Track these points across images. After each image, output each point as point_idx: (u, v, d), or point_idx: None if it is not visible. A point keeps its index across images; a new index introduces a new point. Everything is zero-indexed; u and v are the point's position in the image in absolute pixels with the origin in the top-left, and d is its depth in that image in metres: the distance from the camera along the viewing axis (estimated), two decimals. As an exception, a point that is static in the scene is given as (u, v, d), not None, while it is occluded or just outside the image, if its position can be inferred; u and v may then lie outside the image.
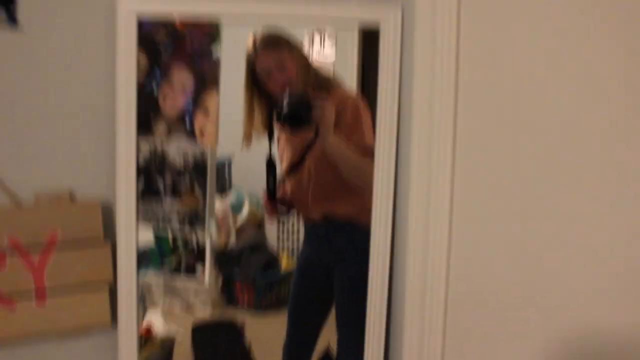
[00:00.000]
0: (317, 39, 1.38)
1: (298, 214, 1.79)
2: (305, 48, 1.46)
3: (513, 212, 1.11)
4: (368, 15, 1.20)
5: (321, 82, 1.57)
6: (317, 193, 1.62)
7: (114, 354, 1.24)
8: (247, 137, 1.54)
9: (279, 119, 1.43)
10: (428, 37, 1.10)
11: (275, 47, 1.50)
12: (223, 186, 2.55)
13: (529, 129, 1.09)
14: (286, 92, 1.43)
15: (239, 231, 2.56)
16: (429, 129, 1.12)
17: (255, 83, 1.55)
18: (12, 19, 1.12)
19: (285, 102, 1.40)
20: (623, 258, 1.08)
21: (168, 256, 1.24)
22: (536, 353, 1.13)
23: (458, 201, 1.12)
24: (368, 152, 1.33)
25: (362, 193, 1.42)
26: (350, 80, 1.82)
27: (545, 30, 1.06)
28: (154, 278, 2.48)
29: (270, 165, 1.58)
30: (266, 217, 1.69)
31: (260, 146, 1.62)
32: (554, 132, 1.07)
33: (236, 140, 1.61)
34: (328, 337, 1.91)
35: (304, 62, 1.53)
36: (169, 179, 1.20)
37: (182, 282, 2.47)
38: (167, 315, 2.40)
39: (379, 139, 1.24)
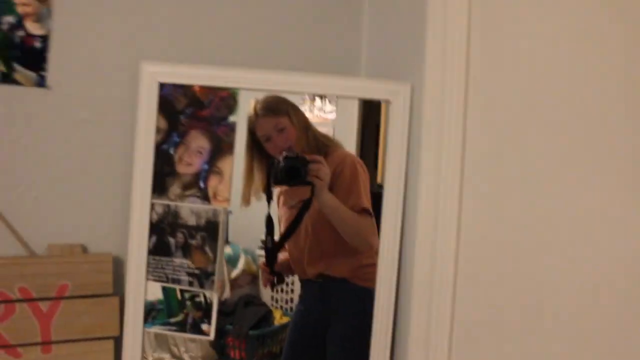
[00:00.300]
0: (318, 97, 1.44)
1: (294, 272, 1.81)
2: (306, 107, 1.52)
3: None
4: (378, 94, 1.25)
5: (320, 145, 1.61)
6: (313, 251, 1.64)
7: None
8: (245, 199, 1.57)
9: (275, 178, 1.47)
10: (436, 115, 1.15)
11: (275, 112, 1.55)
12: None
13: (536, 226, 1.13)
14: (283, 152, 1.47)
15: (234, 284, 2.58)
16: (435, 186, 1.15)
17: (256, 146, 1.60)
18: (42, 81, 1.19)
19: (282, 160, 1.44)
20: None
21: (175, 312, 1.27)
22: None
23: (463, 253, 1.15)
24: (364, 213, 1.36)
25: (358, 252, 1.43)
26: (349, 139, 1.86)
27: (553, 83, 1.11)
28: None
29: (269, 222, 1.61)
30: (261, 282, 1.72)
31: (258, 203, 1.66)
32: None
33: (234, 197, 1.66)
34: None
35: (304, 126, 1.58)
36: (180, 237, 1.24)
37: (183, 338, 2.47)
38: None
39: (387, 196, 1.28)
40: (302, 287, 1.79)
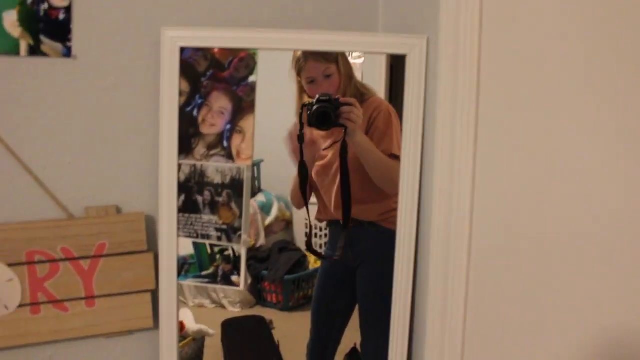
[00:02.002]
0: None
1: (323, 215, 1.85)
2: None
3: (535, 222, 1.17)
4: (395, 48, 1.27)
5: (359, 93, 1.63)
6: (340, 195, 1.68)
7: (155, 352, 1.34)
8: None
9: (308, 121, 1.50)
10: (451, 65, 1.16)
11: (325, 58, 1.56)
12: (253, 188, 2.65)
13: (547, 149, 1.14)
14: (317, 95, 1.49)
15: (268, 231, 2.65)
16: (451, 137, 1.18)
17: (301, 88, 1.63)
18: (68, 52, 1.23)
19: (315, 102, 1.46)
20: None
21: (206, 265, 1.34)
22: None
23: (479, 202, 1.18)
24: (395, 158, 1.38)
25: (386, 197, 1.46)
26: (378, 81, 1.86)
27: (565, 57, 1.11)
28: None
29: (303, 167, 1.64)
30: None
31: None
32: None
33: (266, 146, 1.70)
34: (356, 337, 1.98)
35: (349, 75, 1.59)
36: (207, 195, 1.30)
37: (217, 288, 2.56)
38: (197, 312, 2.51)
39: (405, 145, 1.30)
40: (330, 232, 1.84)
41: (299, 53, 1.57)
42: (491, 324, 1.21)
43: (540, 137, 1.14)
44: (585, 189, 1.15)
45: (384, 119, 1.57)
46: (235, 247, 1.32)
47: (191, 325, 2.26)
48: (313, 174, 1.77)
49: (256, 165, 2.42)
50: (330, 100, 1.43)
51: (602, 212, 1.15)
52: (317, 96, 1.47)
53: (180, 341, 2.22)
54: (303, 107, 1.56)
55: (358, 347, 2.10)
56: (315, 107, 1.44)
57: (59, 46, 1.23)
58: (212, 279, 1.34)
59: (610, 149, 1.13)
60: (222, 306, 2.68)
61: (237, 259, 1.32)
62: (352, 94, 1.60)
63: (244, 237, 1.29)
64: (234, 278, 1.33)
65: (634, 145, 1.13)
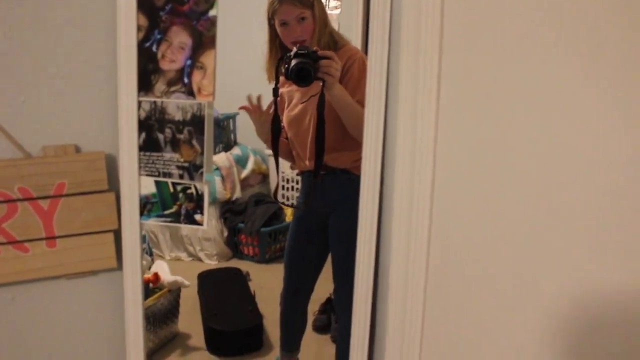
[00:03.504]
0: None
1: (296, 164, 1.84)
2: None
3: (496, 166, 1.16)
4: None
5: (332, 41, 1.60)
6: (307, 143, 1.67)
7: (119, 294, 1.34)
8: (269, 73, 1.60)
9: (286, 74, 1.48)
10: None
11: (300, 1, 1.54)
12: (228, 142, 2.64)
13: (515, 109, 1.12)
14: (295, 46, 1.47)
15: (244, 184, 2.65)
16: (414, 84, 1.16)
17: (274, 33, 1.60)
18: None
19: (292, 57, 1.43)
20: (606, 233, 1.11)
21: (169, 204, 1.32)
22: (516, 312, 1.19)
23: (442, 155, 1.17)
24: None
25: (359, 146, 1.46)
26: (355, 33, 1.83)
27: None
28: (160, 231, 2.59)
29: (276, 120, 1.63)
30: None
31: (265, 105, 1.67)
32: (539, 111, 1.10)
33: (241, 99, 1.67)
34: (331, 288, 2.00)
35: (323, 21, 1.57)
36: (168, 132, 1.28)
37: (187, 233, 2.58)
38: (174, 265, 2.52)
39: (369, 90, 1.26)
40: (303, 180, 1.84)
41: None
42: (453, 265, 1.22)
43: (509, 82, 1.12)
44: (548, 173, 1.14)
45: (358, 67, 1.55)
46: (198, 185, 1.30)
47: (166, 276, 2.27)
48: (285, 123, 1.76)
49: (232, 118, 2.40)
50: (308, 54, 1.42)
51: (561, 206, 1.13)
52: (295, 49, 1.45)
53: (155, 292, 2.23)
54: (279, 60, 1.54)
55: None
56: (294, 63, 1.42)
57: (8, -22, 1.19)
58: (175, 217, 1.32)
59: (576, 143, 1.11)
60: (199, 259, 2.70)
61: (200, 197, 1.31)
62: (326, 40, 1.58)
63: (205, 174, 1.27)
64: (198, 217, 1.32)
65: (599, 139, 1.10)
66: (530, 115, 1.10)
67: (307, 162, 1.73)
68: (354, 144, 1.55)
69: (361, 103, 1.36)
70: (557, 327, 1.17)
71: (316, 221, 1.86)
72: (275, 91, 1.57)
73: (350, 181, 1.67)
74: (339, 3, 1.70)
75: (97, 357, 1.41)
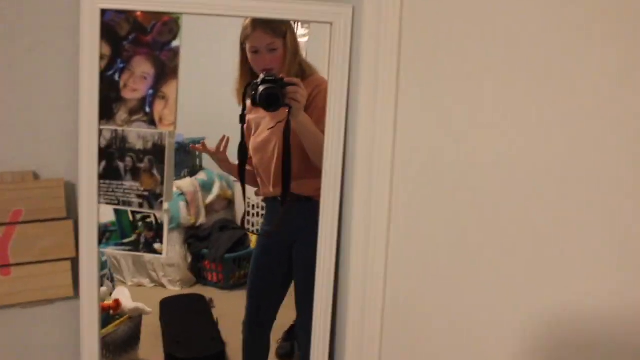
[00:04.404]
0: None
1: (260, 191, 1.85)
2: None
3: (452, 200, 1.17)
4: (320, 16, 1.27)
5: (301, 70, 1.63)
6: (280, 170, 1.68)
7: (76, 322, 1.32)
8: (238, 97, 1.61)
9: (253, 100, 1.49)
10: (374, 32, 1.17)
11: (274, 31, 1.55)
12: (194, 167, 2.62)
13: (469, 131, 1.13)
14: (260, 75, 1.48)
15: (209, 209, 2.63)
16: (372, 115, 1.19)
17: (244, 59, 1.61)
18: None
19: (260, 83, 1.45)
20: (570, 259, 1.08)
21: (128, 232, 1.32)
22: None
23: (398, 174, 1.19)
24: None
25: (321, 173, 1.49)
26: (322, 62, 1.85)
27: (490, 33, 1.10)
28: (122, 257, 2.55)
29: (242, 149, 1.64)
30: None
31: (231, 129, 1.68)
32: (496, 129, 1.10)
33: (207, 124, 1.68)
34: (294, 316, 1.99)
35: (294, 51, 1.59)
36: (129, 161, 1.28)
37: (150, 259, 2.55)
38: (135, 291, 2.48)
39: (330, 116, 1.31)
40: (267, 208, 1.84)
41: (248, 21, 1.56)
42: (410, 292, 1.22)
43: (461, 112, 1.14)
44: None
45: (324, 98, 1.58)
46: (158, 214, 1.30)
47: (127, 303, 2.23)
48: (251, 149, 1.77)
49: (197, 142, 2.40)
50: (276, 81, 1.44)
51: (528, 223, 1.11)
52: (262, 76, 1.47)
53: (116, 319, 2.20)
54: (247, 87, 1.56)
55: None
56: (262, 89, 1.44)
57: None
58: (134, 246, 1.32)
59: (547, 140, 1.08)
60: (162, 285, 2.66)
61: (159, 226, 1.31)
62: (295, 70, 1.60)
63: (165, 204, 1.27)
64: (157, 246, 1.31)
65: (568, 150, 1.07)
66: (488, 137, 1.11)
67: (271, 189, 1.74)
68: (317, 171, 1.57)
69: (324, 132, 1.38)
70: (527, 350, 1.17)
71: (280, 249, 1.87)
72: (242, 118, 1.58)
73: (313, 209, 1.68)
74: (307, 31, 1.72)
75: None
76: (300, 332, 1.98)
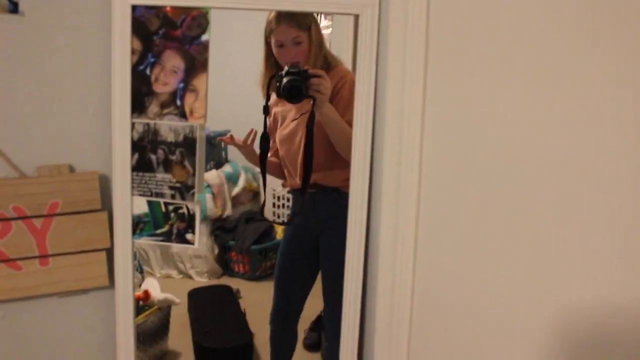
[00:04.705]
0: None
1: (287, 182, 1.87)
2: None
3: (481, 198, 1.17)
4: (347, 8, 1.27)
5: (326, 62, 1.64)
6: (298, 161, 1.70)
7: (111, 312, 1.35)
8: (263, 90, 1.63)
9: (277, 92, 1.51)
10: (401, 23, 1.18)
11: (298, 24, 1.57)
12: (220, 159, 2.66)
13: (497, 125, 1.11)
14: (285, 67, 1.50)
15: (235, 201, 2.67)
16: (400, 108, 1.20)
17: (270, 53, 1.63)
18: (15, 7, 1.22)
19: (284, 75, 1.47)
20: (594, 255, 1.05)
21: (161, 223, 1.35)
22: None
23: (427, 164, 1.20)
24: None
25: (349, 164, 1.49)
26: (346, 52, 1.86)
27: (522, 23, 1.08)
28: (150, 249, 2.60)
29: (265, 139, 1.66)
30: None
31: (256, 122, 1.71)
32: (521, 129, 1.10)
33: (232, 117, 1.71)
34: (322, 306, 2.01)
35: (319, 44, 1.60)
36: (161, 153, 1.31)
37: (177, 250, 2.59)
38: (164, 282, 2.52)
39: (358, 107, 1.31)
40: (293, 199, 1.87)
41: (272, 15, 1.57)
42: (438, 284, 1.23)
43: (491, 103, 1.14)
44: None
45: (349, 89, 1.59)
46: (190, 205, 1.33)
47: (156, 294, 2.27)
48: (277, 142, 1.79)
49: (223, 136, 2.43)
50: (299, 72, 1.45)
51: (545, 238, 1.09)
52: (286, 68, 1.48)
53: (145, 310, 2.24)
54: (271, 78, 1.57)
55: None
56: (286, 81, 1.45)
57: (4, 1, 1.22)
58: (167, 237, 1.35)
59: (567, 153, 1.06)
60: (189, 276, 2.70)
61: (191, 217, 1.34)
62: (320, 63, 1.61)
63: (196, 195, 1.30)
64: (189, 236, 1.34)
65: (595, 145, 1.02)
66: (516, 131, 1.10)
67: (297, 180, 1.76)
68: (345, 162, 1.58)
69: (350, 124, 1.38)
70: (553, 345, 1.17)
71: (306, 240, 1.89)
72: (265, 109, 1.60)
73: (340, 199, 1.69)
74: (330, 22, 1.73)
75: (87, 374, 1.43)
76: (327, 322, 1.99)
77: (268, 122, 1.63)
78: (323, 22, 1.69)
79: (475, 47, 1.13)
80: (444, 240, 1.21)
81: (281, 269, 1.95)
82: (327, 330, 2.06)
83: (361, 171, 1.33)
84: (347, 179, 1.43)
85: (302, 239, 1.90)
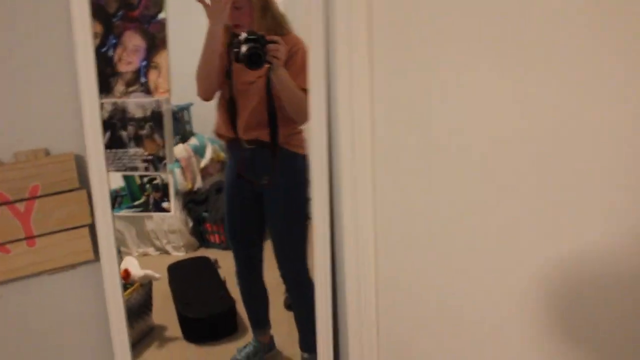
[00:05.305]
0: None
1: (224, 131, 1.88)
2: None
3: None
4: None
5: (277, 25, 1.69)
6: (252, 119, 1.75)
7: (99, 284, 1.44)
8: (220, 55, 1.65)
9: (236, 58, 1.57)
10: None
11: None
12: (185, 133, 2.71)
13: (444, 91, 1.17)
14: (242, 33, 1.56)
15: (204, 173, 2.73)
16: (349, 67, 1.29)
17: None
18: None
19: (243, 42, 1.53)
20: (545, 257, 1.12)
21: (138, 195, 1.42)
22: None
23: (379, 125, 1.29)
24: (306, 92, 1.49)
25: (291, 122, 1.60)
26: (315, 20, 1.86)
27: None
28: (125, 229, 2.65)
29: (232, 103, 1.72)
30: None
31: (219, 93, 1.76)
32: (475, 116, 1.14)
33: (193, 91, 1.77)
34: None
35: (263, 6, 1.65)
36: (131, 129, 1.38)
37: (153, 227, 2.64)
38: (142, 261, 2.58)
39: (312, 73, 1.37)
40: (231, 150, 1.89)
41: None
42: (397, 232, 1.33)
43: (439, 68, 1.21)
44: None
45: (301, 56, 1.66)
46: (163, 175, 1.41)
47: (136, 271, 2.34)
48: (235, 89, 1.82)
49: (186, 109, 2.49)
50: (258, 39, 1.51)
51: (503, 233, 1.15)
52: (244, 35, 1.54)
53: (127, 288, 2.31)
54: (229, 45, 1.62)
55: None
56: (245, 48, 1.51)
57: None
58: (145, 207, 1.42)
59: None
60: (167, 252, 2.77)
61: (165, 186, 1.41)
62: (268, 25, 1.66)
63: (168, 165, 1.37)
64: (165, 204, 1.42)
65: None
66: (460, 112, 1.17)
67: (241, 132, 1.77)
68: (287, 121, 1.65)
69: (299, 87, 1.49)
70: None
71: (250, 192, 1.90)
72: (229, 74, 1.64)
73: (283, 155, 1.75)
74: None
75: (83, 347, 1.51)
76: (284, 276, 2.01)
77: (232, 82, 1.67)
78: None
79: (419, 21, 1.21)
80: (402, 200, 1.29)
81: (231, 224, 1.99)
82: (285, 283, 2.07)
83: (320, 136, 1.41)
84: (288, 136, 1.56)
85: (246, 191, 1.92)
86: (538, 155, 1.09)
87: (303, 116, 1.46)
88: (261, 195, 1.87)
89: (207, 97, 1.73)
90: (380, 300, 1.35)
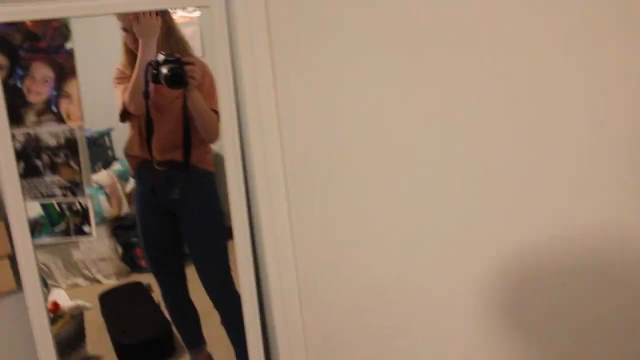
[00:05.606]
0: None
1: (137, 151, 1.87)
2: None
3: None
4: (197, 2, 1.43)
5: (179, 49, 1.72)
6: (164, 141, 1.77)
7: (24, 313, 1.44)
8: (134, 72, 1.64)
9: (155, 79, 1.59)
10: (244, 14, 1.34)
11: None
12: (107, 158, 2.69)
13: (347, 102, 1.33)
14: (159, 54, 1.58)
15: (129, 198, 2.70)
16: (255, 86, 1.36)
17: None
18: None
19: (162, 63, 1.55)
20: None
21: (57, 222, 1.44)
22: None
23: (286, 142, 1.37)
24: (216, 113, 1.55)
25: (204, 143, 1.64)
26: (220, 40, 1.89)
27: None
28: (51, 261, 2.60)
29: (150, 124, 1.74)
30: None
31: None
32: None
33: (114, 115, 1.78)
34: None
35: (167, 30, 1.68)
36: (46, 158, 1.40)
37: (80, 257, 2.60)
38: (72, 292, 2.54)
39: (222, 96, 1.47)
40: (140, 171, 1.92)
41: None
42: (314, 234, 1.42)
43: (337, 79, 1.30)
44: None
45: (209, 80, 1.71)
46: (81, 200, 1.43)
47: (65, 302, 2.30)
48: (151, 107, 1.85)
49: (107, 134, 2.47)
50: (176, 60, 1.56)
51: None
52: (162, 56, 1.57)
53: (58, 321, 2.27)
54: (148, 65, 1.64)
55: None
56: (167, 69, 1.55)
57: None
58: (66, 233, 1.44)
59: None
60: (98, 281, 2.73)
61: (85, 210, 1.44)
62: (173, 48, 1.68)
63: (86, 189, 1.40)
64: (86, 228, 1.44)
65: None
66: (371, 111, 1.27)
67: (156, 153, 1.78)
68: (199, 141, 1.71)
69: (210, 107, 1.56)
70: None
71: (164, 214, 1.93)
72: (147, 93, 1.67)
73: (197, 175, 1.79)
74: (191, 16, 1.81)
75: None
76: (209, 294, 2.03)
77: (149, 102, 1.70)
78: (182, 13, 1.75)
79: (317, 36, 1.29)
80: (317, 209, 1.38)
81: (147, 252, 2.02)
82: (213, 301, 2.09)
83: (234, 153, 1.49)
84: (200, 155, 1.63)
85: (160, 211, 1.94)
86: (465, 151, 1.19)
87: (214, 135, 1.56)
88: (174, 215, 1.88)
89: (141, 112, 1.75)
90: (304, 299, 1.42)
